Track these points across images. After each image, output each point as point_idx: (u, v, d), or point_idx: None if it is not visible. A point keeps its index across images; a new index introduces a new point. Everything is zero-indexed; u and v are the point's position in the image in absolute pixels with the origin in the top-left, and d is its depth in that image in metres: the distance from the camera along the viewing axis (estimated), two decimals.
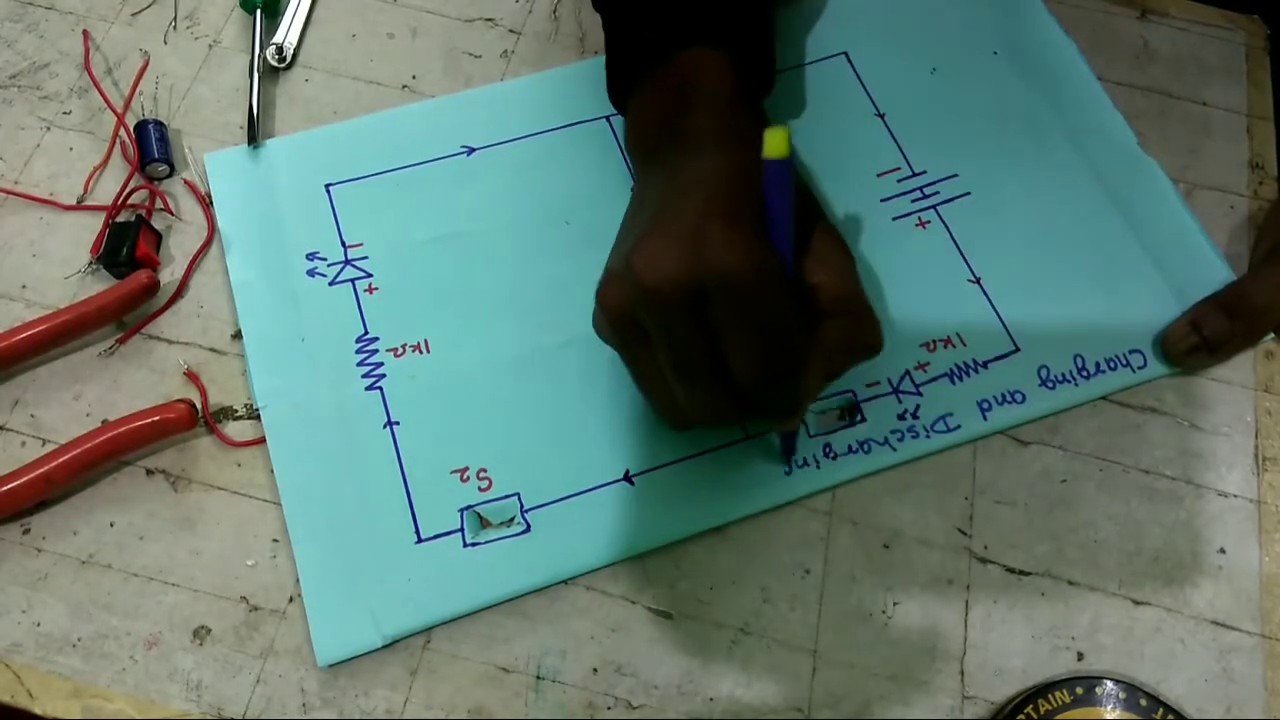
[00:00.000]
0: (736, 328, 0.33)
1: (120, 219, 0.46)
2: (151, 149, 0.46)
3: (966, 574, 0.41)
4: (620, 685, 0.39)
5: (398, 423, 0.42)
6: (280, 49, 0.50)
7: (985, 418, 0.43)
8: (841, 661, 0.39)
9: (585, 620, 0.40)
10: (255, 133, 0.48)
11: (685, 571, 0.41)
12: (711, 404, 0.36)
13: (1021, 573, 0.41)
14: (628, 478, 0.41)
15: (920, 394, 0.43)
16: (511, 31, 0.52)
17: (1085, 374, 0.44)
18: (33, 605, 0.39)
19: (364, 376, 0.43)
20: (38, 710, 0.37)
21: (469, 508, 0.40)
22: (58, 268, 0.45)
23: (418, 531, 0.40)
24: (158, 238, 0.46)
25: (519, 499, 0.41)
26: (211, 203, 0.47)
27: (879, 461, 0.42)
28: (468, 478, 0.41)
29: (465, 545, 0.40)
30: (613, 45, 0.45)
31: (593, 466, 0.41)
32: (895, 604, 0.40)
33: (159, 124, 0.47)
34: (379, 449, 0.41)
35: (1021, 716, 0.38)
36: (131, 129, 0.47)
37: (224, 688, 0.38)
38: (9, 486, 0.39)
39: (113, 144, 0.47)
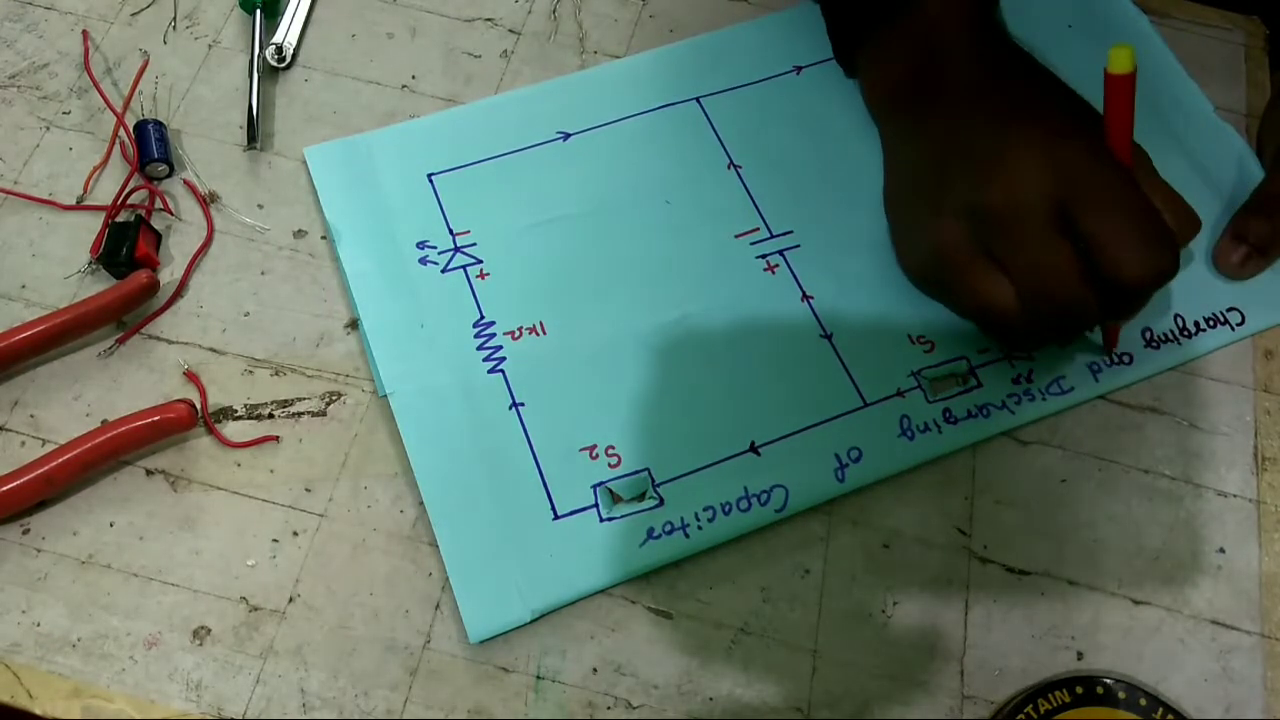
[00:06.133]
0: (1122, 238, 0.35)
1: (120, 219, 0.46)
2: (151, 149, 0.46)
3: (966, 574, 0.41)
4: (620, 685, 0.39)
5: (523, 404, 0.43)
6: (280, 49, 0.50)
7: (1097, 379, 0.44)
8: (841, 661, 0.39)
9: (585, 620, 0.40)
10: (255, 133, 0.48)
11: (685, 571, 0.41)
12: (1077, 313, 0.38)
13: (1021, 572, 0.41)
14: (753, 449, 0.42)
15: (1032, 359, 0.44)
16: (511, 31, 0.52)
17: (1187, 333, 0.45)
18: (32, 605, 0.39)
19: (485, 360, 0.44)
20: (38, 710, 0.37)
21: (601, 484, 0.41)
22: (57, 268, 0.45)
23: (554, 508, 0.41)
24: (157, 238, 0.46)
25: (649, 474, 0.41)
26: (211, 200, 0.47)
27: (999, 425, 0.43)
28: (596, 455, 0.42)
29: (601, 520, 0.41)
30: (836, 6, 0.47)
31: (718, 439, 0.42)
32: (895, 604, 0.40)
33: (158, 124, 0.47)
34: (507, 430, 0.42)
35: (1021, 716, 0.38)
36: (131, 129, 0.47)
37: (224, 688, 0.38)
38: (9, 486, 0.39)
39: (112, 144, 0.47)
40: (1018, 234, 0.37)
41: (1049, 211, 0.36)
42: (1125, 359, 0.45)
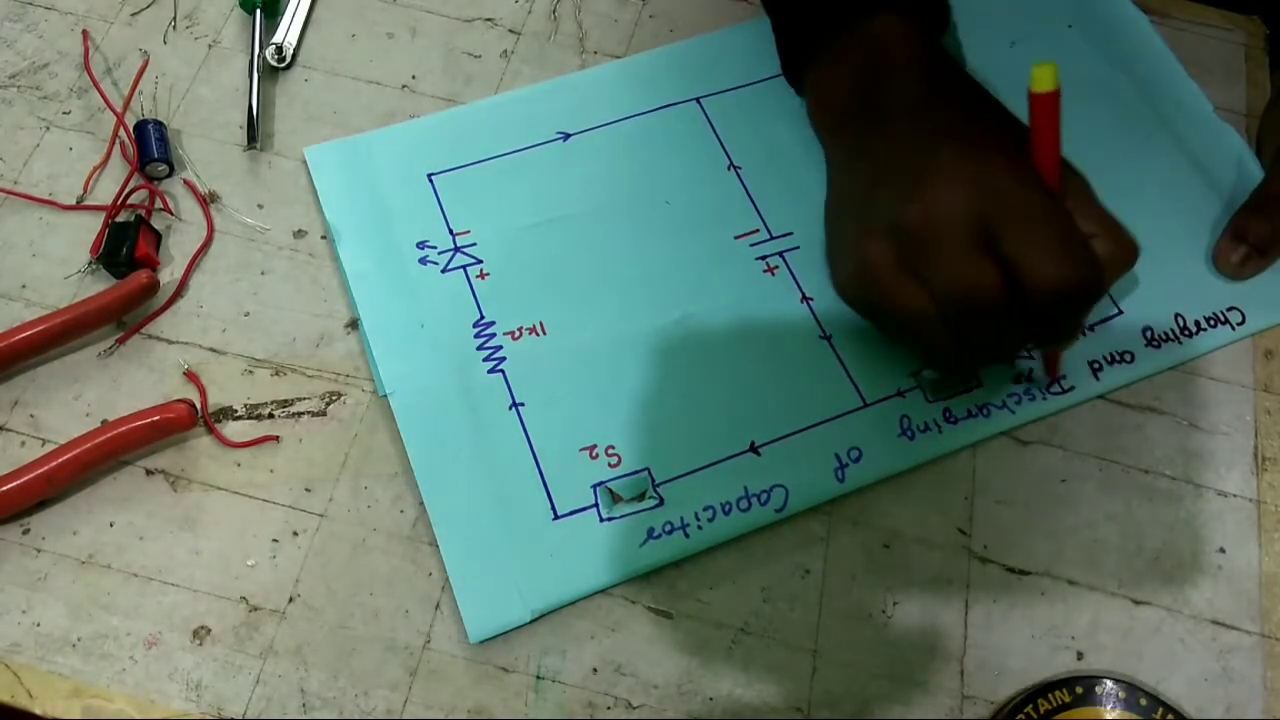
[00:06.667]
0: (1044, 263, 0.35)
1: (120, 219, 0.46)
2: (151, 149, 0.46)
3: (966, 574, 0.41)
4: (620, 685, 0.39)
5: (523, 404, 0.43)
6: (280, 49, 0.50)
7: (1098, 378, 0.44)
8: (841, 661, 0.39)
9: (585, 620, 0.40)
10: (255, 133, 0.48)
11: (685, 571, 0.41)
12: (1001, 338, 0.38)
13: (1021, 572, 0.41)
14: (753, 449, 0.42)
15: (1033, 357, 0.44)
16: (511, 31, 0.52)
17: (1188, 333, 0.45)
18: (33, 605, 0.39)
19: (485, 360, 0.44)
20: (38, 710, 0.37)
21: (601, 484, 0.41)
22: (58, 268, 0.45)
23: (554, 508, 0.41)
24: (157, 238, 0.46)
25: (649, 474, 0.41)
26: (211, 200, 0.47)
27: (999, 424, 0.43)
28: (596, 455, 0.42)
29: (601, 520, 0.41)
30: (782, 19, 0.47)
31: (717, 439, 0.42)
32: (895, 604, 0.40)
33: (158, 124, 0.47)
34: (507, 430, 0.42)
35: (1021, 716, 0.38)
36: (131, 129, 0.47)
37: (224, 688, 0.38)
38: (9, 486, 0.39)
39: (112, 144, 0.47)
40: (939, 253, 0.36)
41: (971, 231, 0.36)
42: (1126, 358, 0.45)
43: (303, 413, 0.43)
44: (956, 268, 0.36)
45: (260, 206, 0.47)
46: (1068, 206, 0.37)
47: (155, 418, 0.40)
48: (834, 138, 0.46)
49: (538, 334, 0.44)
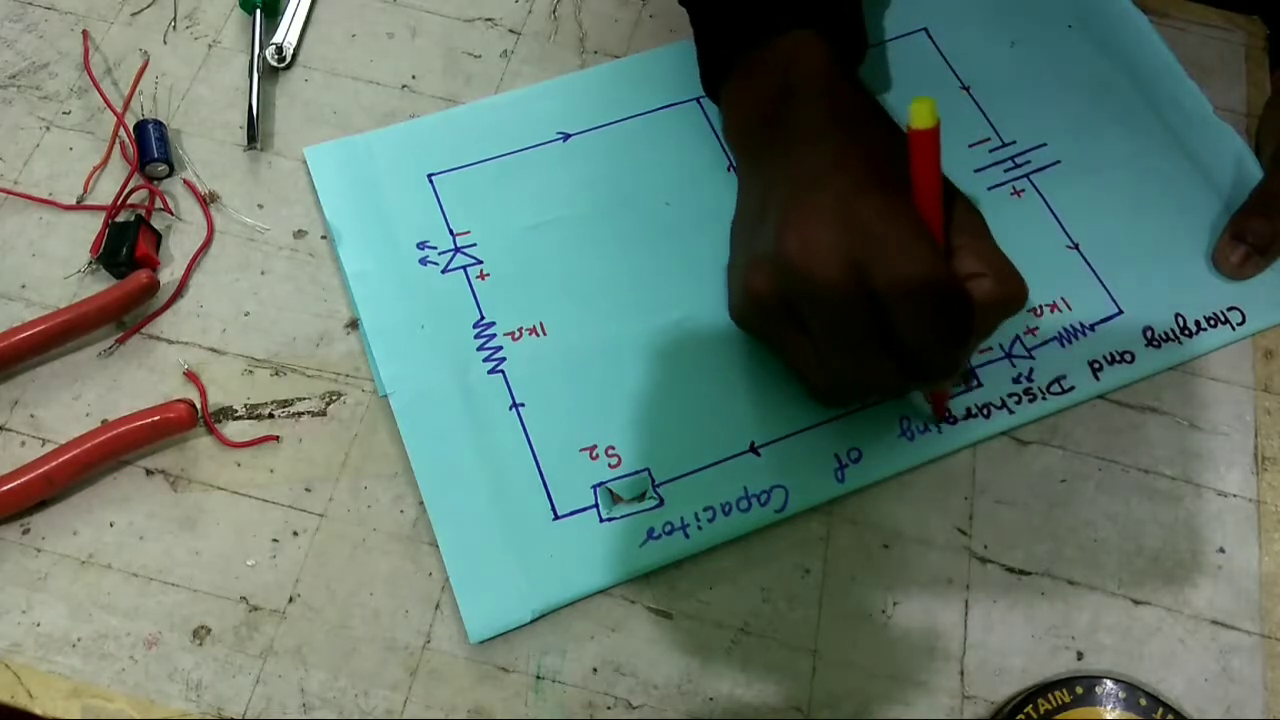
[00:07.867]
0: (908, 298, 0.34)
1: (120, 219, 0.46)
2: (151, 149, 0.46)
3: (966, 574, 0.41)
4: (620, 685, 0.39)
5: (523, 404, 0.43)
6: (280, 49, 0.50)
7: (1098, 378, 0.44)
8: (841, 661, 0.39)
9: (585, 620, 0.40)
10: (255, 133, 0.48)
11: (685, 571, 0.41)
12: (875, 375, 0.37)
13: (1021, 572, 0.41)
14: (753, 449, 0.42)
15: (1033, 357, 0.45)
16: (511, 31, 0.52)
17: (1188, 333, 0.45)
18: (33, 605, 0.39)
19: (485, 360, 0.44)
20: (38, 710, 0.37)
21: (601, 484, 0.41)
22: (57, 268, 0.45)
23: (554, 509, 0.41)
24: (157, 237, 0.46)
25: (649, 474, 0.42)
26: (211, 200, 0.47)
27: (998, 425, 0.43)
28: (597, 455, 0.42)
29: (601, 520, 0.41)
30: (702, 34, 0.46)
31: (718, 439, 0.42)
32: (895, 604, 0.40)
33: (158, 124, 0.47)
34: (508, 430, 0.42)
35: (1021, 716, 0.38)
36: (131, 129, 0.47)
37: (224, 688, 0.38)
38: (9, 486, 0.39)
39: (112, 144, 0.47)
40: (812, 289, 0.35)
41: (843, 269, 0.35)
42: (1126, 358, 0.45)
43: (303, 413, 0.43)
44: (826, 304, 0.35)
45: (260, 206, 0.47)
46: (957, 243, 0.37)
47: (155, 418, 0.40)
48: (741, 156, 0.46)
49: (538, 334, 0.44)
